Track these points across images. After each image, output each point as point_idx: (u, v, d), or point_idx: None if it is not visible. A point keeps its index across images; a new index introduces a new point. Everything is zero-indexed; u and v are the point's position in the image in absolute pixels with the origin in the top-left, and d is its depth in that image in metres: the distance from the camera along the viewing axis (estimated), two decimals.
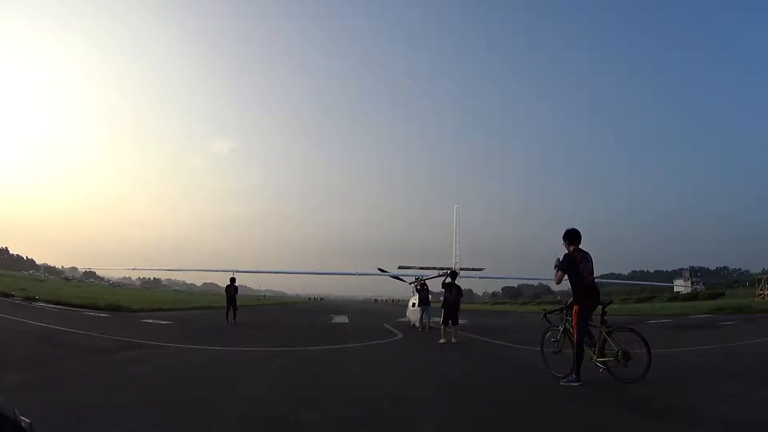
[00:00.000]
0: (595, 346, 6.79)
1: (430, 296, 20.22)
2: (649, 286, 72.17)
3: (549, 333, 7.68)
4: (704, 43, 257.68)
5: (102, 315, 19.82)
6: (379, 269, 26.94)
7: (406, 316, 23.72)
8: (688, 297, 55.20)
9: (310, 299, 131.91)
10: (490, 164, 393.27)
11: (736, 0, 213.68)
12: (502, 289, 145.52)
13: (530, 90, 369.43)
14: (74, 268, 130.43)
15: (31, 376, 6.48)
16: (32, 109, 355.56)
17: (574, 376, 6.54)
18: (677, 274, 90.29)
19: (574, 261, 6.87)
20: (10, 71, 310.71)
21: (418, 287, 21.27)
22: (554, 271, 7.20)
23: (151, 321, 18.47)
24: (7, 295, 23.71)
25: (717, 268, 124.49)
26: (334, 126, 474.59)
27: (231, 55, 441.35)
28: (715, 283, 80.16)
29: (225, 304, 19.48)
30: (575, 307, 6.81)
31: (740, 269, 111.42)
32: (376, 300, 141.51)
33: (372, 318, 30.24)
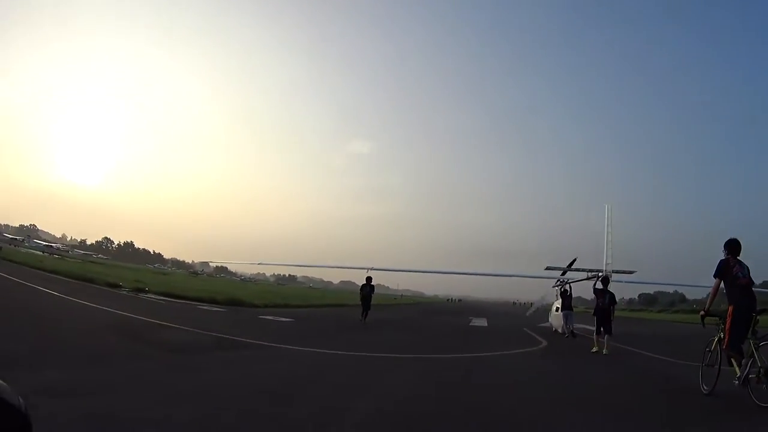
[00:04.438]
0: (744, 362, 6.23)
1: (572, 300, 19.29)
2: None
3: (709, 343, 7.22)
4: None
5: (215, 309, 18.86)
6: (548, 267, 25.36)
7: (547, 320, 22.67)
8: None
9: (448, 300, 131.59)
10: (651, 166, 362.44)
11: None
12: (639, 296, 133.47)
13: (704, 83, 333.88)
14: (205, 263, 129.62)
15: (76, 376, 5.47)
16: (174, 106, 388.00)
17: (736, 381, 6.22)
18: None
19: (728, 265, 6.88)
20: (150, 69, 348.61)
21: (562, 291, 20.46)
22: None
23: (269, 317, 17.31)
24: (115, 286, 23.01)
25: None
26: (474, 131, 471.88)
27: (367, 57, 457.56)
28: None
29: (359, 302, 19.37)
30: (729, 308, 6.64)
31: None
32: (514, 303, 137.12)
33: (511, 321, 29.20)
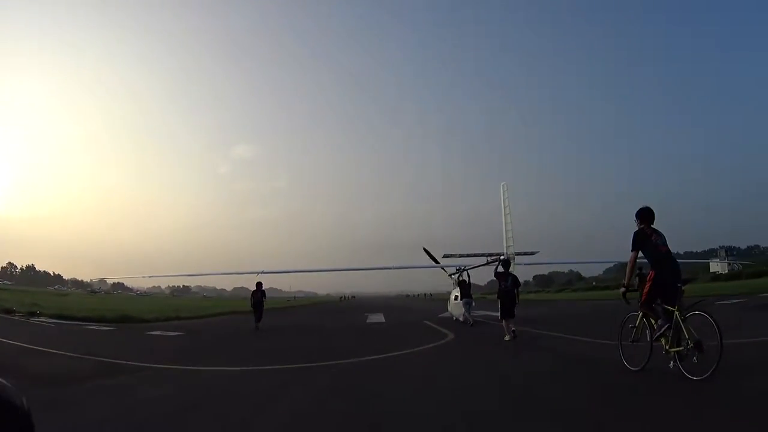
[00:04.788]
0: (669, 334, 6.11)
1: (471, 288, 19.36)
2: (689, 266, 68.64)
3: (628, 319, 7.02)
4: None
5: (103, 328, 18.03)
6: (425, 249, 24.24)
7: (447, 310, 22.36)
8: (731, 276, 52.12)
9: (341, 298, 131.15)
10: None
11: None
12: (534, 277, 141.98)
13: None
14: (103, 281, 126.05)
15: None
16: (58, 128, 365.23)
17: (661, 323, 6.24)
18: (710, 254, 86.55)
19: (645, 234, 6.65)
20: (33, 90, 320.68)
21: (460, 279, 20.33)
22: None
23: (158, 333, 16.44)
24: (9, 311, 22.10)
25: (748, 247, 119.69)
26: (359, 123, 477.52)
27: (243, 62, 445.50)
28: (750, 262, 75.88)
29: (251, 309, 19.35)
30: (651, 272, 6.50)
31: None
32: (407, 295, 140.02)
33: (410, 315, 28.87)
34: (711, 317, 5.68)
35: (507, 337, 12.00)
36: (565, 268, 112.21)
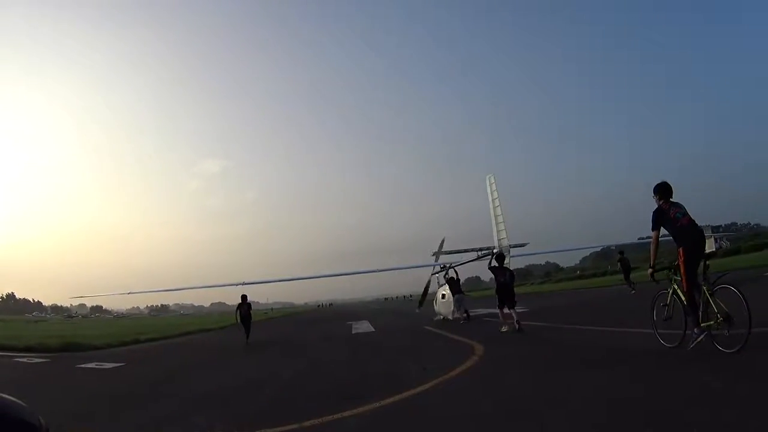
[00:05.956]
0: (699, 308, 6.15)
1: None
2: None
3: (658, 297, 7.15)
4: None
5: (34, 360, 14.99)
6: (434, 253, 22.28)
7: (436, 312, 20.92)
8: (728, 252, 51.46)
9: (319, 306, 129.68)
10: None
11: None
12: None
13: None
14: (82, 305, 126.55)
15: None
16: (33, 156, 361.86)
17: (696, 330, 6.13)
18: None
19: (663, 211, 6.65)
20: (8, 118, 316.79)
21: (449, 278, 19.65)
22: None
23: (92, 365, 12.83)
24: None
25: (726, 224, 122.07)
26: (333, 128, 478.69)
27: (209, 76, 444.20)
28: (736, 237, 76.16)
29: (234, 322, 18.73)
30: (679, 250, 6.38)
31: (749, 223, 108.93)
32: (386, 299, 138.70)
33: (400, 320, 26.11)
34: (738, 290, 5.71)
35: (504, 328, 12.14)
36: (543, 260, 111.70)
